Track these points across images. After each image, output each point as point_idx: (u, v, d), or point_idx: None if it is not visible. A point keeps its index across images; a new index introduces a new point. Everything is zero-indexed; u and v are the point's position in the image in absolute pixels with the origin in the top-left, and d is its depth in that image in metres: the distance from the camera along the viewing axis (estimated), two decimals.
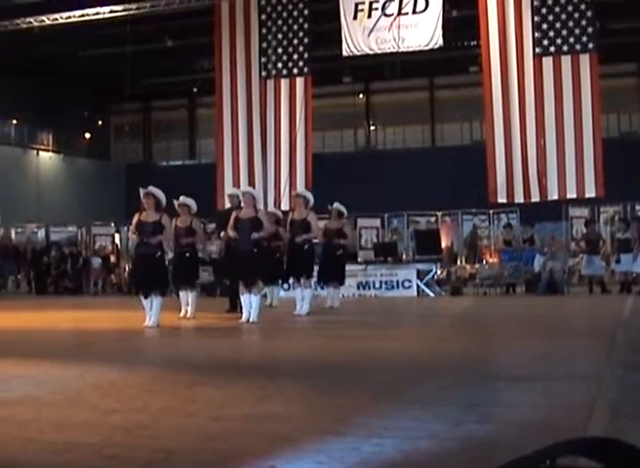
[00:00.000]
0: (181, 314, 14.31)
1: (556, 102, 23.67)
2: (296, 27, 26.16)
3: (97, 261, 25.80)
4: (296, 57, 26.20)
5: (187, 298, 14.42)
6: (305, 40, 26.17)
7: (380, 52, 25.54)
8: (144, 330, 12.04)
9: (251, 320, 13.03)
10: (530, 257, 20.77)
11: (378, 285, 20.97)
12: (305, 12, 26.13)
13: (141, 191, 12.70)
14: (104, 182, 40.08)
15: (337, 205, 17.06)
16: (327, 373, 7.33)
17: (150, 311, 12.36)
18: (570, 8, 23.71)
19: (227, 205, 16.65)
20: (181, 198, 14.66)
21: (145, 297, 12.42)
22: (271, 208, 21.58)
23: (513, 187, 23.95)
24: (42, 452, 4.37)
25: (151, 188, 12.74)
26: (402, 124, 40.05)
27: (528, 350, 9.21)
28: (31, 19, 27.31)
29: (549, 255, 20.35)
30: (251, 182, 26.07)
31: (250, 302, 13.16)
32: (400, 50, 24.88)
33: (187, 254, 14.48)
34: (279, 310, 16.28)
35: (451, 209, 26.42)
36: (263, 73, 26.53)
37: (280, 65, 26.32)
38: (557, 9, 23.75)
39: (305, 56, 26.18)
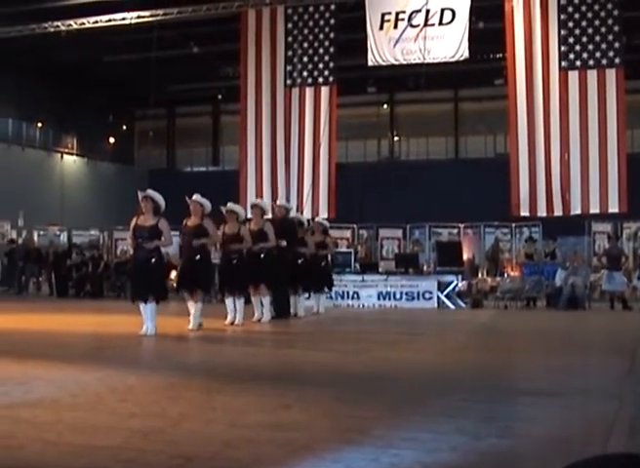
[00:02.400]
0: (227, 321, 13.92)
1: (581, 117, 23.61)
2: (322, 36, 26.23)
3: None
4: (321, 66, 26.27)
5: (233, 305, 14.02)
6: (331, 49, 26.23)
7: (405, 62, 25.57)
8: (142, 338, 11.52)
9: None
10: (551, 272, 20.67)
11: (398, 295, 20.90)
12: (332, 21, 26.20)
13: (139, 194, 12.12)
14: (127, 187, 39.86)
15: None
16: (346, 383, 7.31)
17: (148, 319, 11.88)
18: (597, 22, 23.67)
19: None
20: (229, 204, 14.41)
21: (144, 303, 11.88)
22: (318, 218, 21.35)
23: (536, 201, 23.90)
24: (60, 455, 4.37)
25: (150, 191, 12.22)
26: (426, 135, 39.97)
27: (548, 365, 9.16)
28: (59, 24, 27.56)
29: (571, 270, 20.23)
30: (274, 190, 26.17)
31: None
32: (426, 61, 24.89)
33: (235, 261, 14.09)
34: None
35: (473, 221, 26.38)
36: (288, 81, 26.61)
37: (305, 74, 26.38)
38: (584, 23, 23.70)
39: (331, 65, 26.24)
